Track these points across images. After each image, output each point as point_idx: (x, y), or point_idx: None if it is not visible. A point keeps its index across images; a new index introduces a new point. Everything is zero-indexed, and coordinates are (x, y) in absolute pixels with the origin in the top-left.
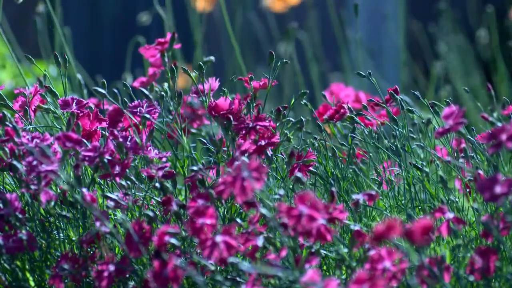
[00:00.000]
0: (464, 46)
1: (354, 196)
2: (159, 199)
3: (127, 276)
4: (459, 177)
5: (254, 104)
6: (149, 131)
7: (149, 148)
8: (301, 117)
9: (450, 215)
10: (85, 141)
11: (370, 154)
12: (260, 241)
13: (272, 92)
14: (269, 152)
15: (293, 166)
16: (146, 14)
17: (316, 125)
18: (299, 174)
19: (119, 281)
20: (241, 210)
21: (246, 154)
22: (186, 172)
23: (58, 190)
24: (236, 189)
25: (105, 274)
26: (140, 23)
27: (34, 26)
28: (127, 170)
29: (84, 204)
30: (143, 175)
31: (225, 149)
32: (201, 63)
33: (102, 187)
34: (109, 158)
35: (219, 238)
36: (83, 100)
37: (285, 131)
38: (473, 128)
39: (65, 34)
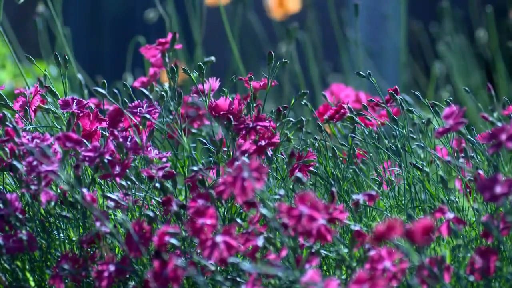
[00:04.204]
0: (464, 46)
1: (354, 196)
2: (159, 199)
3: (127, 276)
4: (459, 177)
5: (254, 104)
6: (149, 131)
7: (149, 148)
8: (301, 117)
9: (450, 215)
10: (85, 141)
11: (370, 154)
12: (260, 241)
13: (273, 92)
14: (269, 152)
15: (293, 166)
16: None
17: (316, 125)
18: (299, 174)
19: (119, 281)
20: (242, 210)
21: (246, 154)
22: (186, 172)
23: (58, 190)
24: (236, 189)
25: (105, 274)
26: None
27: (34, 26)
28: (127, 170)
29: (84, 204)
30: (143, 175)
31: (225, 149)
32: (201, 63)
33: (102, 187)
34: (109, 158)
35: (219, 238)
36: (83, 100)
37: (285, 131)
38: (473, 128)
39: (65, 34)
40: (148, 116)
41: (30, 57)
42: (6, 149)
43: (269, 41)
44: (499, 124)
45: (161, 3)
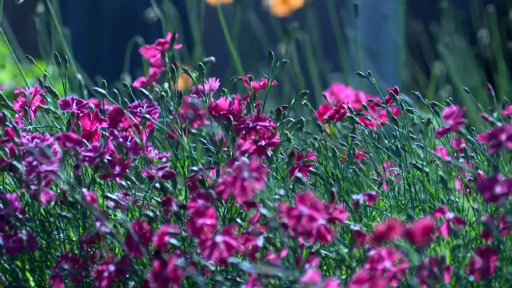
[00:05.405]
0: (464, 46)
1: (354, 196)
2: (159, 199)
3: (127, 276)
4: (459, 177)
5: (254, 104)
6: (149, 131)
7: (149, 148)
8: (301, 117)
9: (450, 215)
10: (85, 141)
11: (370, 154)
12: (260, 241)
13: (273, 92)
14: (269, 152)
15: (293, 166)
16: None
17: (316, 125)
18: (299, 174)
19: (119, 281)
20: (241, 210)
21: (246, 154)
22: (186, 172)
23: (58, 190)
24: (236, 189)
25: (105, 274)
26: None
27: (34, 26)
28: (127, 170)
29: (84, 204)
30: (143, 175)
31: (225, 149)
32: (201, 63)
33: (102, 187)
34: (109, 158)
35: (219, 238)
36: (83, 100)
37: (285, 131)
38: (473, 128)
39: (64, 34)
40: (148, 116)
41: (30, 57)
42: (6, 149)
43: (269, 41)
44: (499, 124)
45: (161, 3)
